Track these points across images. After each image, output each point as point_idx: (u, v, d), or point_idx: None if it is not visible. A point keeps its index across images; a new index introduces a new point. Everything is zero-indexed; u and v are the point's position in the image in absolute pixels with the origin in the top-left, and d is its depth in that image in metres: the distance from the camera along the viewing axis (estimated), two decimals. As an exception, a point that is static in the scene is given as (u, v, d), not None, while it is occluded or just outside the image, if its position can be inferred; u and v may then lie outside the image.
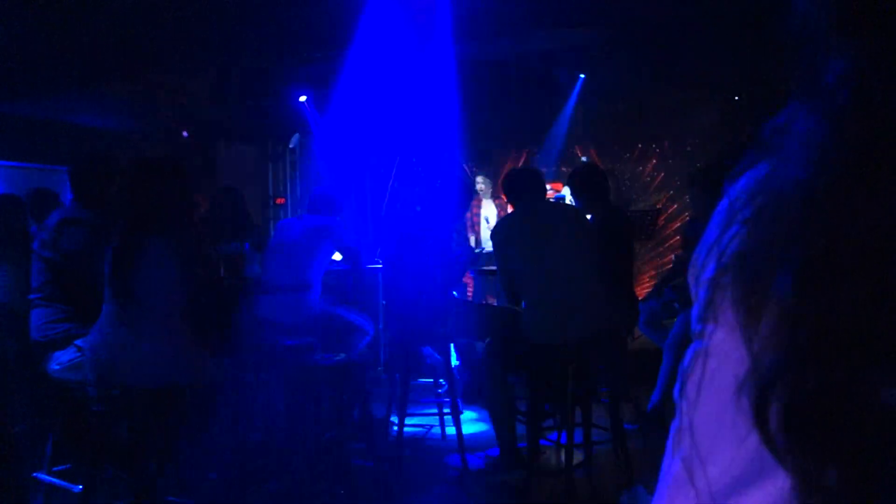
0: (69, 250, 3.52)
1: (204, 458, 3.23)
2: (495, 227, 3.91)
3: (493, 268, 6.39)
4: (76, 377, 3.21)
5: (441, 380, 4.71)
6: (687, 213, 8.17)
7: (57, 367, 3.34)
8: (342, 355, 3.67)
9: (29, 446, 3.74)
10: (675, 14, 5.21)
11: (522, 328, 3.70)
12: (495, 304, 8.09)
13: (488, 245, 7.78)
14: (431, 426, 4.93)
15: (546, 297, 3.62)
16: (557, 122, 8.39)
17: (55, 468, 3.45)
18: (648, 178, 9.48)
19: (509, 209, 4.29)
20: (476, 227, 7.88)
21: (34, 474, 3.41)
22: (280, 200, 9.63)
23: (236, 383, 3.32)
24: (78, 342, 3.27)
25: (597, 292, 3.68)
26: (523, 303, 3.77)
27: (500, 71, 6.84)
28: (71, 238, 3.55)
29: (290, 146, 9.59)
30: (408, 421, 4.31)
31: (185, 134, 9.23)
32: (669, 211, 8.95)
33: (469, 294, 8.04)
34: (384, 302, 6.33)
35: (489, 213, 8.03)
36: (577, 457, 3.92)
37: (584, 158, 8.47)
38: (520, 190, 3.95)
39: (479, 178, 7.96)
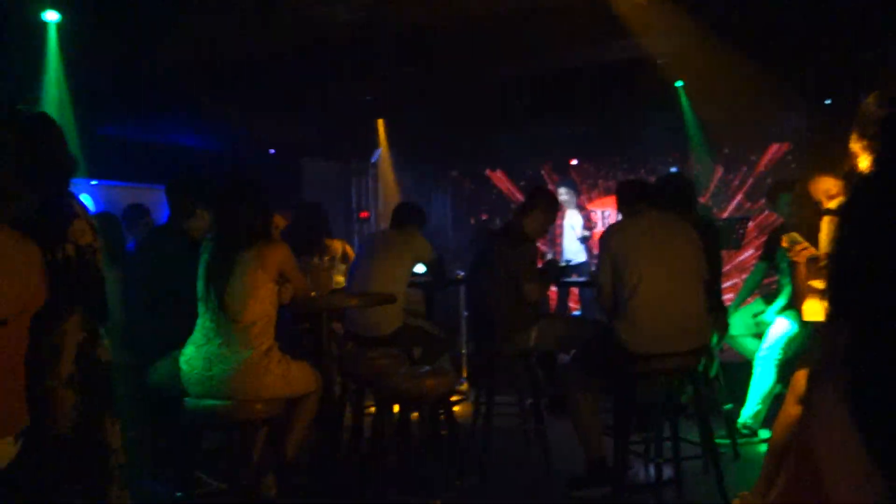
0: (164, 265, 3.66)
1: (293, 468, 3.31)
2: (605, 232, 3.88)
3: (578, 279, 6.34)
4: (173, 388, 3.33)
5: (526, 391, 4.68)
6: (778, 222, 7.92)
7: (156, 377, 3.49)
8: (426, 367, 3.69)
9: (134, 453, 3.90)
10: (764, 18, 5.07)
11: (615, 337, 3.64)
12: (577, 314, 8.02)
13: (572, 255, 7.72)
14: (516, 438, 4.90)
15: (649, 306, 3.56)
16: (647, 131, 8.26)
17: (157, 474, 3.59)
18: (738, 185, 9.23)
19: (617, 217, 4.27)
20: (558, 239, 7.83)
21: (138, 480, 3.56)
22: (364, 214, 9.80)
23: (324, 394, 3.39)
24: (175, 354, 3.40)
25: (697, 304, 3.62)
26: (618, 311, 3.70)
27: (586, 79, 6.80)
28: (166, 253, 3.70)
29: (373, 161, 9.77)
30: (492, 433, 4.31)
31: (272, 151, 9.53)
32: (759, 219, 8.69)
33: (551, 305, 7.99)
34: (466, 313, 6.36)
35: (574, 222, 7.96)
36: (666, 472, 3.83)
37: (673, 168, 8.34)
38: (632, 199, 3.93)
39: (562, 190, 7.92)
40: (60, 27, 5.25)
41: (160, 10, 4.99)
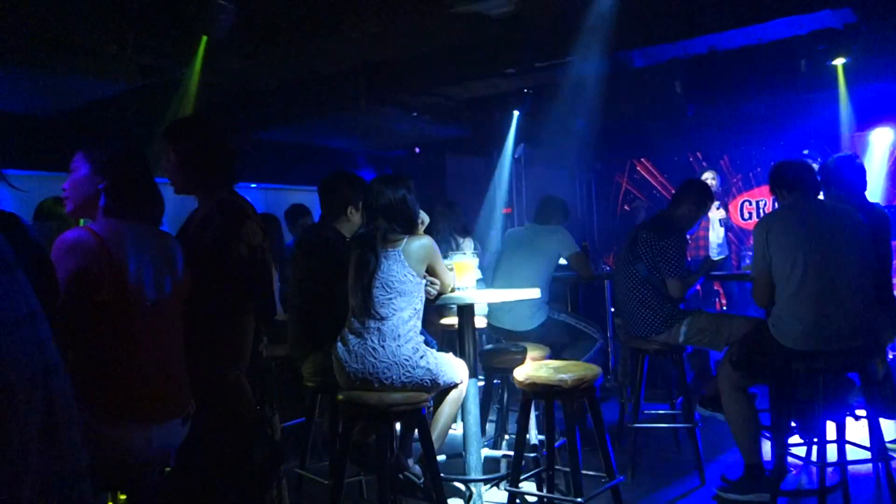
0: (316, 262, 3.82)
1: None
2: (762, 220, 3.66)
3: (721, 272, 6.02)
4: (325, 381, 3.48)
5: (676, 389, 4.53)
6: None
7: (308, 371, 3.65)
8: (570, 362, 3.65)
9: (290, 443, 4.10)
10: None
11: (771, 334, 3.44)
12: (725, 310, 7.65)
13: (717, 250, 7.36)
14: (665, 437, 4.76)
15: (808, 300, 3.35)
16: (802, 115, 7.73)
17: (305, 463, 3.76)
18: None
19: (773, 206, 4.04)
20: (702, 232, 7.42)
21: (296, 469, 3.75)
22: (507, 210, 9.82)
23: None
24: (326, 348, 3.52)
25: (863, 299, 3.37)
26: (775, 306, 3.50)
27: (734, 61, 6.46)
28: (318, 250, 3.86)
29: (515, 156, 9.76)
30: (640, 431, 4.21)
31: (417, 150, 9.76)
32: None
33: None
34: (612, 309, 6.23)
35: (715, 213, 7.56)
36: (832, 479, 3.59)
37: (805, 151, 7.78)
38: (792, 182, 3.65)
39: (710, 174, 7.45)
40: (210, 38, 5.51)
41: (316, 15, 5.22)
